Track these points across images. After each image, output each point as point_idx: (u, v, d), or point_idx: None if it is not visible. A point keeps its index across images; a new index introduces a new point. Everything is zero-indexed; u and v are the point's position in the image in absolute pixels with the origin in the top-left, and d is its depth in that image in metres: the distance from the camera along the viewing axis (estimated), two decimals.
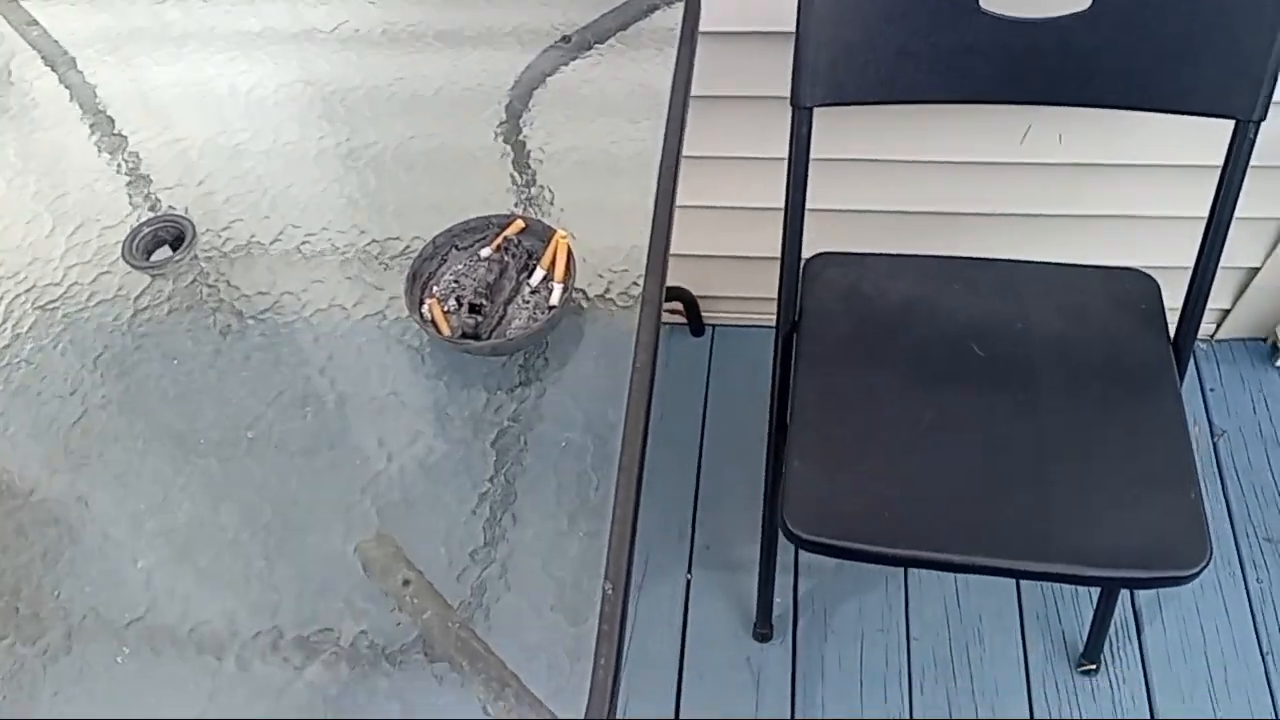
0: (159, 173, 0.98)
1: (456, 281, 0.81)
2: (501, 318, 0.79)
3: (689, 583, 1.50)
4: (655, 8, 1.08)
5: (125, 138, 1.02)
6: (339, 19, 1.11)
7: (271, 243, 0.90)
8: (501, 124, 0.98)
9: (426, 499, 0.71)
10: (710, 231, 1.48)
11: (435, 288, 0.81)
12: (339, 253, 0.89)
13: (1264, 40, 0.93)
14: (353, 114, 1.01)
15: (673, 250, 1.56)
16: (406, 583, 0.66)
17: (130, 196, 0.96)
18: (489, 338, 0.77)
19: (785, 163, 1.34)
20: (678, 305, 1.70)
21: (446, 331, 0.77)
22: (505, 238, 0.82)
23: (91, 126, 1.04)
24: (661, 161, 0.90)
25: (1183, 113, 0.99)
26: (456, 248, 0.83)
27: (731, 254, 1.52)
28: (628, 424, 0.70)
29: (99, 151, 1.01)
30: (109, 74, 1.09)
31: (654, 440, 1.65)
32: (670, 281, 1.72)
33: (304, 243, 0.90)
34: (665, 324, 1.78)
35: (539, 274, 0.81)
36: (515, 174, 0.94)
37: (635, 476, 0.67)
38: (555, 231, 0.80)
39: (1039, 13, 0.99)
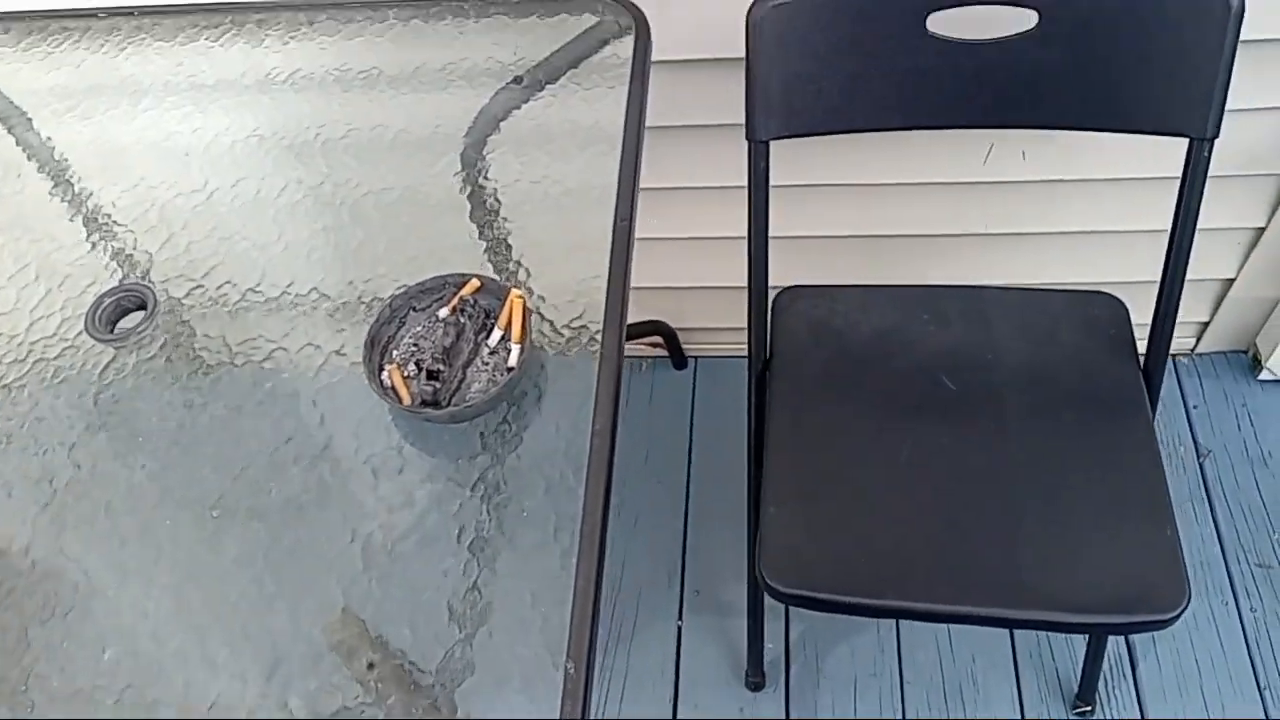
0: (119, 237, 0.99)
1: (415, 345, 0.81)
2: (461, 381, 0.79)
3: (680, 630, 1.50)
4: (606, 41, 1.08)
5: (84, 200, 1.02)
6: (293, 66, 1.11)
7: (233, 308, 0.90)
8: (457, 173, 0.98)
9: (391, 575, 0.71)
10: (686, 263, 1.49)
11: (395, 352, 0.81)
12: (303, 315, 0.89)
13: (1212, 57, 0.93)
14: (309, 168, 1.01)
15: (649, 283, 1.58)
16: (371, 666, 0.66)
17: (90, 264, 0.96)
18: (448, 404, 0.78)
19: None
20: (658, 339, 1.69)
21: (407, 399, 0.78)
22: (462, 298, 0.83)
23: (52, 190, 1.04)
24: (616, 209, 0.90)
25: (1135, 132, 0.99)
26: (414, 309, 0.83)
27: (708, 284, 1.52)
28: (588, 495, 0.70)
29: (60, 216, 1.01)
30: (68, 132, 1.09)
31: (640, 478, 1.67)
32: (649, 315, 1.73)
33: (266, 308, 0.90)
34: (647, 358, 1.77)
35: (496, 334, 0.81)
36: (473, 224, 0.94)
37: (596, 552, 0.67)
38: (510, 290, 0.81)
39: (986, 34, 0.99)
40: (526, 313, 0.80)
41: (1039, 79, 0.99)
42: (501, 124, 1.03)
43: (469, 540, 0.72)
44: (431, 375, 0.78)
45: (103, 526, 0.77)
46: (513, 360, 0.79)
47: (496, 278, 0.84)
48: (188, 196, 1.01)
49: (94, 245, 0.98)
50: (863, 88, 1.01)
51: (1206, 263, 1.43)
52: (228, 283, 0.93)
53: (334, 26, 1.13)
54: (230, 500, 0.77)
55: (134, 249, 0.97)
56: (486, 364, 0.80)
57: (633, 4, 1.09)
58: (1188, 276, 1.45)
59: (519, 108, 1.03)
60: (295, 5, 1.15)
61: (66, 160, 1.07)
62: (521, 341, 0.79)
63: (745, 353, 1.69)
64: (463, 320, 0.81)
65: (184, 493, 0.78)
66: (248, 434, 0.81)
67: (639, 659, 1.48)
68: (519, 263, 0.89)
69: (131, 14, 1.18)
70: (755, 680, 1.42)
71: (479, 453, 0.76)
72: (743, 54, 1.18)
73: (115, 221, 1.00)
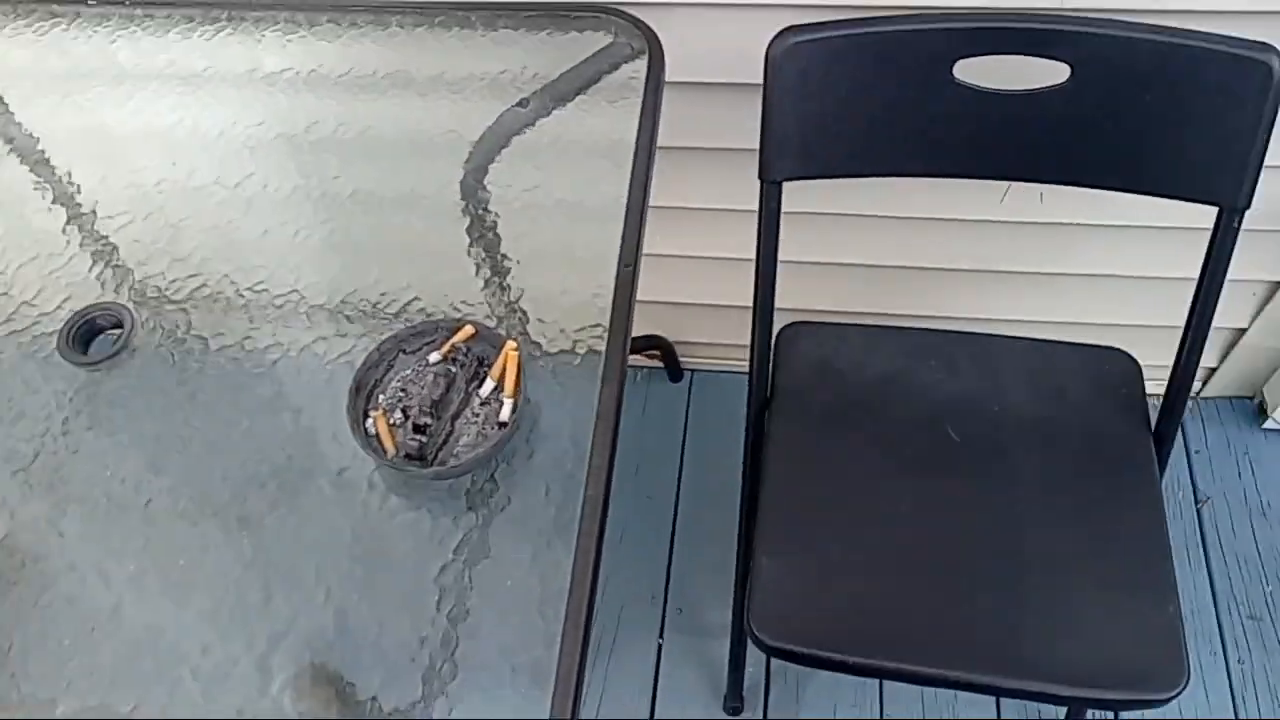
0: (101, 224, 0.94)
1: (403, 390, 0.78)
2: (449, 434, 0.75)
3: (660, 648, 1.47)
4: (618, 65, 1.03)
5: (67, 187, 0.98)
6: (290, 66, 1.06)
7: (214, 308, 0.87)
8: (456, 194, 0.94)
9: (364, 641, 0.68)
10: (689, 280, 1.45)
11: (381, 397, 0.77)
12: (284, 326, 0.85)
13: (1251, 126, 0.89)
14: (302, 168, 0.97)
15: (651, 297, 1.53)
16: None
17: (73, 257, 0.92)
18: (434, 457, 0.74)
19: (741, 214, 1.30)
20: (655, 351, 1.66)
21: (391, 449, 0.74)
22: (454, 345, 0.79)
23: (33, 177, 0.99)
24: (620, 255, 0.86)
25: (1164, 196, 0.96)
26: (404, 352, 0.79)
27: (710, 302, 1.49)
28: (575, 571, 0.67)
29: (41, 204, 0.97)
30: (52, 118, 1.05)
31: (629, 492, 1.64)
32: (648, 329, 1.70)
33: (247, 312, 0.86)
34: (642, 368, 1.74)
35: (489, 385, 0.77)
36: (471, 249, 0.90)
37: (580, 634, 0.64)
38: (506, 340, 0.77)
39: (1016, 85, 0.95)
40: (521, 366, 0.76)
41: (1067, 135, 0.95)
42: (503, 150, 0.98)
43: (449, 608, 0.68)
44: (418, 428, 0.74)
45: (63, 569, 0.73)
46: (504, 414, 0.75)
47: (491, 325, 0.80)
48: (174, 187, 0.97)
49: (78, 231, 0.94)
50: (884, 132, 0.97)
51: (1220, 312, 1.39)
52: (207, 278, 0.89)
53: (334, 31, 1.09)
54: (196, 549, 0.73)
55: (117, 237, 0.93)
56: (477, 415, 0.76)
57: (647, 27, 1.04)
58: None
59: (523, 132, 0.99)
60: (294, 5, 1.10)
61: (49, 146, 1.03)
62: (515, 396, 0.75)
63: (743, 369, 1.65)
64: (454, 369, 0.77)
65: (149, 537, 0.74)
66: (218, 473, 0.77)
67: (617, 675, 1.45)
68: (516, 305, 0.85)
69: (123, 3, 1.12)
70: (734, 705, 1.40)
71: (464, 512, 0.73)
72: (753, 80, 1.14)
73: (97, 211, 0.96)
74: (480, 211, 0.92)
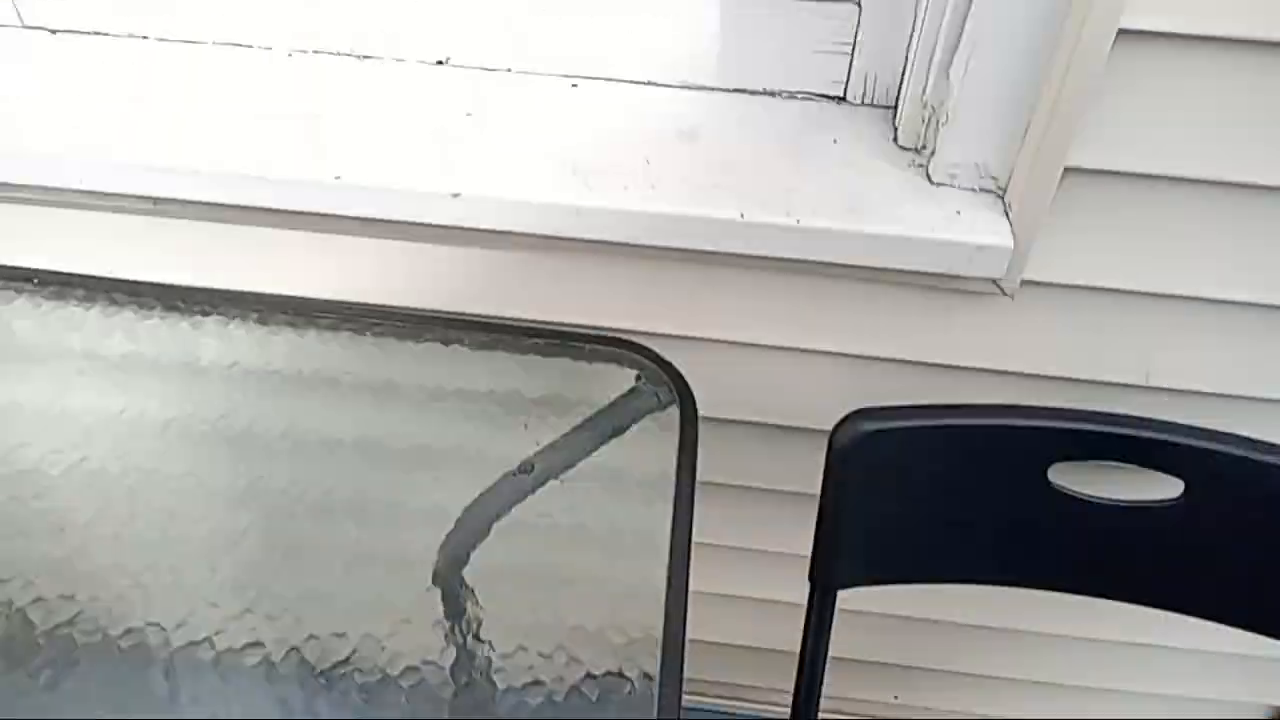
0: None
1: None
2: None
3: None
4: (638, 417, 0.86)
5: None
6: (231, 356, 0.86)
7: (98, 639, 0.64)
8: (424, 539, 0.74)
9: None
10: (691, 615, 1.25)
11: None
12: (192, 682, 0.62)
13: None
14: (232, 466, 0.75)
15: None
16: None
17: None
18: None
19: (774, 556, 1.14)
20: None
21: None
22: None
23: None
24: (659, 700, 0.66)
25: None
26: None
27: (713, 640, 1.29)
28: None
29: None
30: None
31: None
32: None
33: (135, 654, 0.63)
34: None
35: None
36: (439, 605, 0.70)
37: None
38: None
39: (1117, 495, 0.81)
40: None
41: (1175, 558, 0.80)
42: (501, 515, 0.79)
43: None
44: None
45: None
46: None
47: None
48: (68, 470, 0.77)
49: None
50: (961, 537, 0.81)
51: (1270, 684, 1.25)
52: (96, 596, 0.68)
53: (292, 336, 0.89)
54: None
55: None
56: None
57: (678, 374, 0.87)
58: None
59: (523, 501, 0.80)
60: (242, 302, 0.91)
61: None
62: None
63: (745, 710, 1.44)
64: None
65: None
66: None
67: None
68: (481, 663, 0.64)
69: (30, 281, 0.91)
70: None
71: None
72: (787, 423, 0.98)
73: None
74: (459, 588, 0.72)
